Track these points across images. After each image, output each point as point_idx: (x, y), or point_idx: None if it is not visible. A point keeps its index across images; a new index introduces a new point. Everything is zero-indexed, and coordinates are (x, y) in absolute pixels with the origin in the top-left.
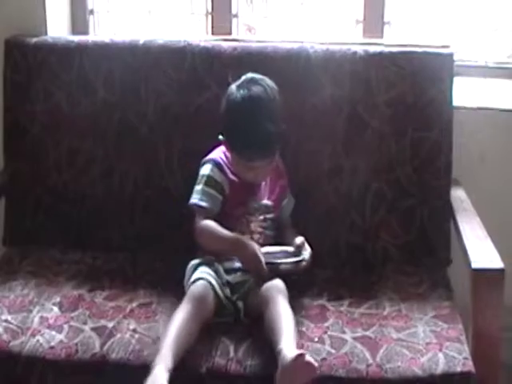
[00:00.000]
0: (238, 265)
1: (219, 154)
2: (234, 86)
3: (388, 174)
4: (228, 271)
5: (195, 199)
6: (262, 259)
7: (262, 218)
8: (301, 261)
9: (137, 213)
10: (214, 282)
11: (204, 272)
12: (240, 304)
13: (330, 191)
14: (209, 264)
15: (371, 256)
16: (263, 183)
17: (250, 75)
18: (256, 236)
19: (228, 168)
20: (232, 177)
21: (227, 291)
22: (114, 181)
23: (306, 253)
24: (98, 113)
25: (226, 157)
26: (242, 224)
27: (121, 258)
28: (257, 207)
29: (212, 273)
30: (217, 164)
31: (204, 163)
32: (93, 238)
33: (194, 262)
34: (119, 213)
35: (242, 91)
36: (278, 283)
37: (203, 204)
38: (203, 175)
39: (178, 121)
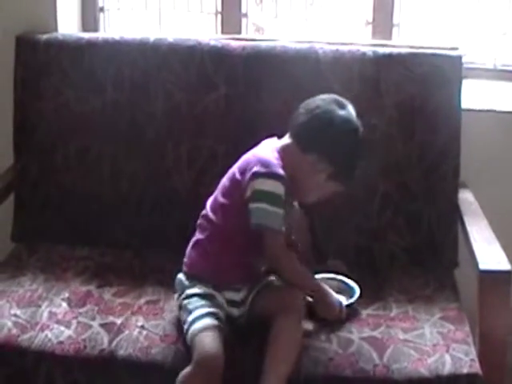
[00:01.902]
0: (240, 296)
1: (277, 162)
2: (351, 113)
3: (395, 176)
4: (230, 302)
5: (275, 224)
6: (344, 308)
7: None
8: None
9: (144, 212)
10: (221, 326)
11: (207, 316)
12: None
13: (337, 193)
14: (210, 298)
15: (378, 258)
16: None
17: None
18: None
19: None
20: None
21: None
22: (123, 179)
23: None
24: (106, 111)
25: (282, 166)
26: None
27: (128, 255)
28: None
29: (216, 311)
30: (285, 183)
31: (268, 175)
32: (100, 235)
33: (194, 291)
34: (127, 211)
35: (357, 120)
36: (296, 301)
37: (279, 228)
38: (277, 195)
39: (186, 120)
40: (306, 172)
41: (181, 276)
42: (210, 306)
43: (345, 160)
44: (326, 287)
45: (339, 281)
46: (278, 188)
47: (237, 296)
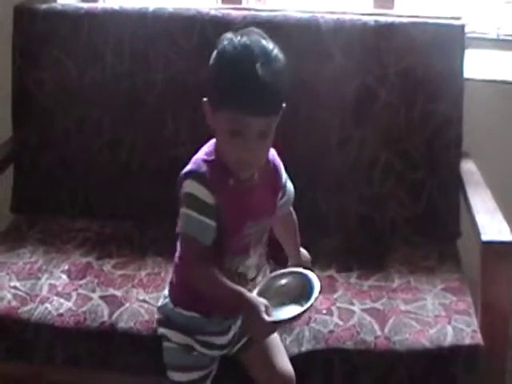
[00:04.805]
0: (226, 339)
1: (202, 156)
2: (228, 34)
3: (397, 146)
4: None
5: (185, 228)
6: (267, 319)
7: (260, 245)
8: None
9: (144, 182)
10: None
11: None
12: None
13: (339, 162)
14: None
15: (379, 227)
16: (260, 197)
17: (252, 28)
18: (252, 272)
19: (217, 176)
20: (222, 190)
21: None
22: (122, 150)
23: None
24: (106, 81)
25: (212, 160)
26: (239, 260)
27: (128, 226)
28: (257, 230)
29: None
30: (200, 176)
31: (185, 177)
32: (100, 206)
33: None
34: (127, 182)
35: (239, 38)
36: (290, 372)
37: (197, 237)
38: (187, 194)
39: (186, 90)
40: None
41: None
42: (191, 369)
43: (218, 85)
44: (252, 298)
45: (302, 275)
46: (190, 186)
47: (224, 339)
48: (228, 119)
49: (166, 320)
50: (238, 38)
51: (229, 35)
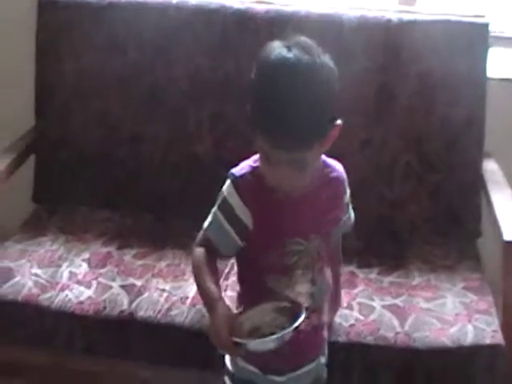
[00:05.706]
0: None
1: (251, 161)
2: (276, 43)
3: (418, 146)
4: None
5: (209, 229)
6: (223, 334)
7: (308, 272)
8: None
9: (165, 176)
10: None
11: None
12: None
13: (359, 163)
14: None
15: (399, 228)
16: (311, 211)
17: (303, 38)
18: (304, 300)
19: (256, 185)
20: (259, 201)
21: None
22: (143, 144)
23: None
24: (127, 75)
25: (257, 167)
26: (284, 282)
27: (149, 218)
28: (307, 248)
29: None
30: (238, 182)
31: (228, 176)
32: (121, 198)
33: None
34: (147, 175)
35: (284, 51)
36: None
37: (216, 243)
38: (223, 197)
39: (208, 85)
40: None
41: None
42: None
43: (253, 104)
44: (219, 303)
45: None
46: (227, 189)
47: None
48: (259, 141)
49: (231, 361)
50: (282, 51)
51: (274, 46)
